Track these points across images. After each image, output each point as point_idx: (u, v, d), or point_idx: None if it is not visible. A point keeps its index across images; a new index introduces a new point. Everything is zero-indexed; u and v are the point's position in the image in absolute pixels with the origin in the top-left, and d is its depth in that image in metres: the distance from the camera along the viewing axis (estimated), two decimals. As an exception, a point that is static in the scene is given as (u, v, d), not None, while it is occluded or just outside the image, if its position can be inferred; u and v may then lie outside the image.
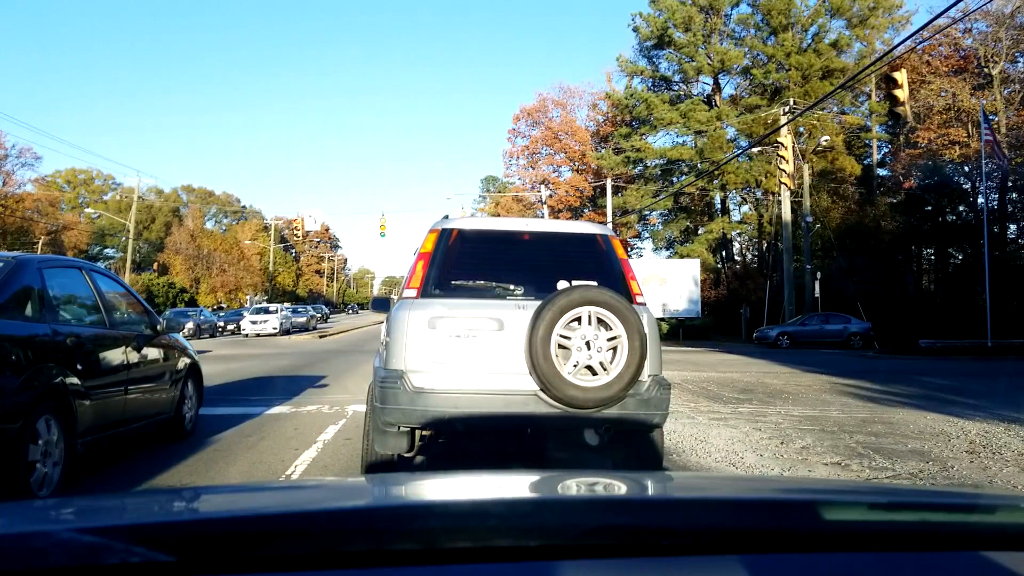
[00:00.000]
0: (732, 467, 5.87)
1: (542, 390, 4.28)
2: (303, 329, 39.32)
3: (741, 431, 7.51)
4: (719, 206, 43.51)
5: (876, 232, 34.00)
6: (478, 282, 4.69)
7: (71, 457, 4.57)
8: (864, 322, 27.92)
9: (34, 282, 4.73)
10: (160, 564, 0.90)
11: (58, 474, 4.41)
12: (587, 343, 4.31)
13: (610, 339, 4.32)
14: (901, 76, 15.06)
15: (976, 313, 25.94)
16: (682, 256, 38.80)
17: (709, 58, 38.92)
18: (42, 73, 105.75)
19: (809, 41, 37.97)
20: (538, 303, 4.35)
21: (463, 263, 4.74)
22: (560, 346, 4.28)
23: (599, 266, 4.74)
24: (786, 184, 28.29)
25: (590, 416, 4.38)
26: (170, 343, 6.65)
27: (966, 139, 31.56)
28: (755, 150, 33.14)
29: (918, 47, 31.38)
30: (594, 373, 4.30)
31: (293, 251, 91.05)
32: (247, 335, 34.04)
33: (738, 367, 16.87)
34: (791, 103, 29.08)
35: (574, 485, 1.52)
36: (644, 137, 41.23)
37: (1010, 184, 31.63)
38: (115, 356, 5.44)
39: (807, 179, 31.03)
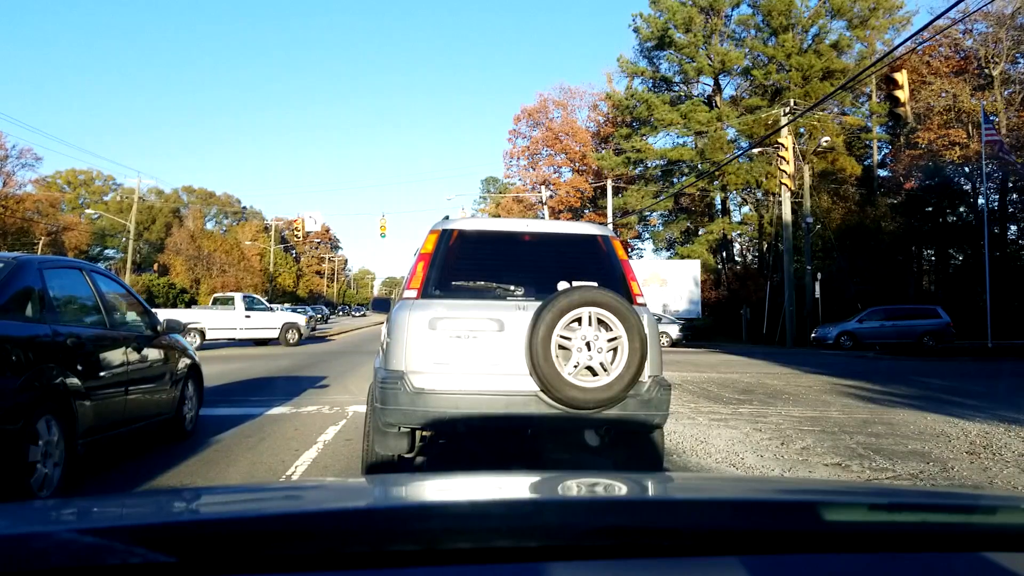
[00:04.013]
0: (732, 468, 5.86)
1: (542, 391, 4.28)
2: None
3: (741, 432, 7.50)
4: (719, 207, 43.52)
5: (876, 233, 33.99)
6: (478, 283, 4.68)
7: (71, 458, 4.57)
8: (676, 323, 28.99)
9: (34, 283, 4.73)
10: (160, 565, 0.90)
11: (58, 475, 4.41)
12: (587, 344, 4.30)
13: (610, 340, 4.31)
14: (901, 77, 15.06)
15: (977, 314, 25.97)
16: (682, 257, 38.86)
17: (710, 59, 38.93)
18: (42, 73, 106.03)
19: (810, 42, 37.98)
20: (538, 304, 4.35)
21: (463, 264, 4.73)
22: (560, 347, 4.27)
23: (599, 267, 4.73)
24: (787, 185, 28.27)
25: (590, 417, 4.37)
26: (170, 344, 6.66)
27: (966, 140, 31.54)
28: (756, 151, 33.11)
29: (918, 48, 31.40)
30: (594, 374, 4.30)
31: (293, 252, 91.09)
32: (247, 336, 34.02)
33: (738, 368, 16.86)
34: (791, 104, 29.04)
35: (574, 486, 1.52)
36: (645, 138, 41.28)
37: (1010, 185, 31.65)
38: (115, 357, 5.44)
39: (807, 180, 31.00)
